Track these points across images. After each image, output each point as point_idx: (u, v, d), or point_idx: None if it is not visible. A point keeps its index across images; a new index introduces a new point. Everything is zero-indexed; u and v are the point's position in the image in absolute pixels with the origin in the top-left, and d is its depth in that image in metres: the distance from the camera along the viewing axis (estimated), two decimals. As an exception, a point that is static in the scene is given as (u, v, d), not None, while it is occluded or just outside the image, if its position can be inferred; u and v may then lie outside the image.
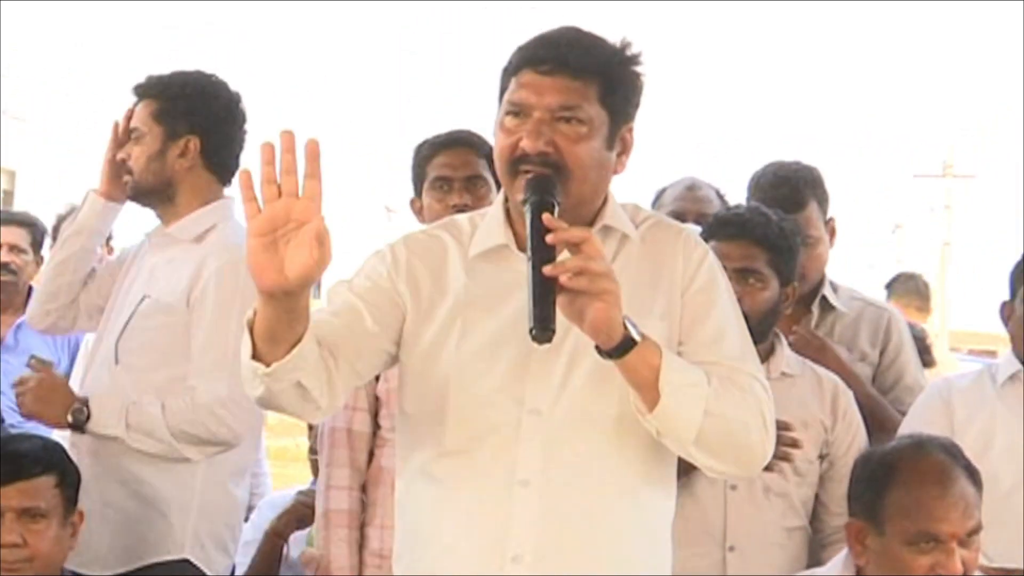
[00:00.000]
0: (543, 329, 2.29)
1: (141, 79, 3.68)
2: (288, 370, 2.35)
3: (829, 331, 3.95)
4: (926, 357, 6.30)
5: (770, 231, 3.52)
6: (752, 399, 2.50)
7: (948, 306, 28.72)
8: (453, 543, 2.51)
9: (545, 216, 2.35)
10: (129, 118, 3.64)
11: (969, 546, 2.97)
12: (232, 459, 3.55)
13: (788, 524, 3.51)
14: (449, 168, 3.77)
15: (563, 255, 2.33)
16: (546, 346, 2.35)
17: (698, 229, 4.17)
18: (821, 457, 3.55)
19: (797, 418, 3.51)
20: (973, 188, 33.70)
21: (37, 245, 5.67)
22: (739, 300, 3.39)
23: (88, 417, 3.45)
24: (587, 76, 2.51)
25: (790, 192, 3.95)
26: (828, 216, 4.04)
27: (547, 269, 2.30)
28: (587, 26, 2.60)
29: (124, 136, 3.65)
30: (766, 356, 3.56)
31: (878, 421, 3.71)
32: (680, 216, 4.38)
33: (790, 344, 3.69)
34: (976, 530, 2.98)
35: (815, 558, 3.52)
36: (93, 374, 3.63)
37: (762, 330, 3.53)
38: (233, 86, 3.71)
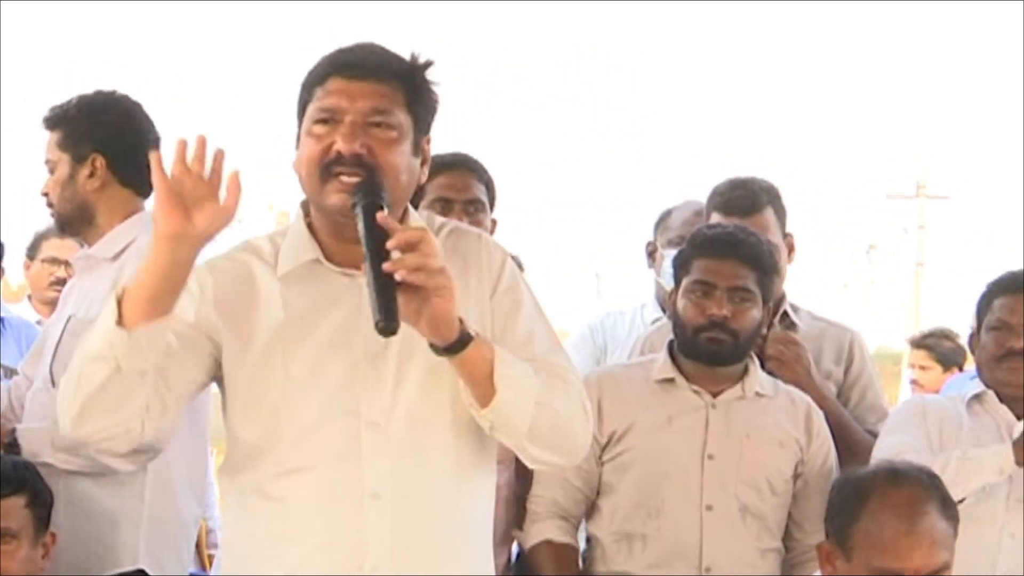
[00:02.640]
0: (389, 320, 2.33)
1: (47, 112, 3.67)
2: (152, 337, 2.37)
3: None
4: None
5: (760, 251, 3.55)
6: (573, 389, 2.58)
7: (921, 327, 28.77)
8: (303, 563, 2.51)
9: (379, 215, 2.39)
10: None
11: None
12: (178, 470, 3.53)
13: (763, 546, 3.51)
14: (451, 190, 3.81)
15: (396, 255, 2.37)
16: (372, 355, 2.45)
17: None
18: (796, 477, 3.56)
19: (772, 437, 3.54)
20: (947, 209, 33.84)
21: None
22: (732, 318, 3.47)
23: (19, 451, 3.43)
24: (395, 82, 2.54)
25: (745, 194, 3.99)
26: (786, 232, 4.06)
27: (387, 265, 2.34)
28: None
29: None
30: (741, 376, 3.57)
31: (843, 435, 3.73)
32: None
33: (761, 355, 3.70)
34: (944, 567, 2.92)
35: (788, 579, 3.53)
36: (34, 399, 3.60)
37: (747, 348, 3.55)
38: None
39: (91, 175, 3.60)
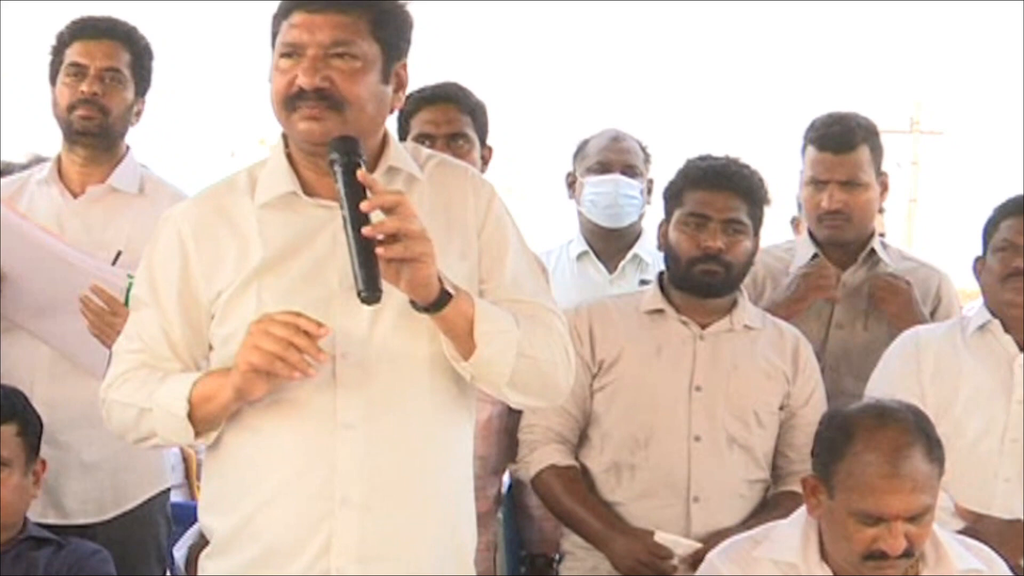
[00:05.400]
0: (372, 290, 2.35)
1: (110, 21, 3.68)
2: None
3: None
4: None
5: (752, 182, 3.54)
6: (556, 335, 2.60)
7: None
8: (279, 490, 2.54)
9: (360, 173, 2.39)
10: None
11: (918, 522, 2.86)
12: None
13: (750, 476, 3.53)
14: (431, 125, 3.76)
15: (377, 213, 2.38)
16: (349, 287, 2.41)
17: (633, 184, 4.27)
18: (782, 409, 3.58)
19: (759, 369, 3.55)
20: (941, 144, 33.76)
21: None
22: (726, 250, 3.46)
23: None
24: (357, 11, 2.52)
25: (841, 130, 3.95)
26: (881, 171, 4.05)
27: (366, 230, 2.35)
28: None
29: None
30: (730, 308, 3.58)
31: None
32: (606, 167, 4.40)
33: (854, 289, 3.76)
34: (925, 510, 2.87)
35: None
36: None
37: (739, 280, 3.56)
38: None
39: (137, 113, 3.72)
